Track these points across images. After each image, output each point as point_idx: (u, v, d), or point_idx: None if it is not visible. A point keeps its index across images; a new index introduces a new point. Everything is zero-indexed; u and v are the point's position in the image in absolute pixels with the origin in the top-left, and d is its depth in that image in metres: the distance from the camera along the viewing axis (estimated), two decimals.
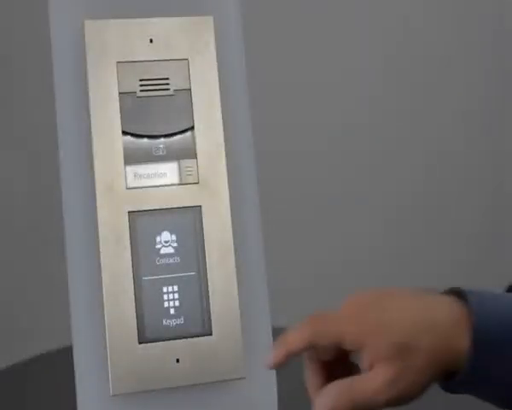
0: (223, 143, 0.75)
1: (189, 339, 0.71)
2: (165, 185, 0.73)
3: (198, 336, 0.72)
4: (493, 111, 1.98)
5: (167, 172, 0.74)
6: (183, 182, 0.74)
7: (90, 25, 0.74)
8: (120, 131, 0.73)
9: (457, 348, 0.60)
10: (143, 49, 0.74)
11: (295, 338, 0.63)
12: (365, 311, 0.63)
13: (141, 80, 0.74)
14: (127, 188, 0.73)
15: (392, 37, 1.91)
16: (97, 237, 0.71)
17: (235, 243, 0.74)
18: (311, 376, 0.64)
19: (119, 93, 0.73)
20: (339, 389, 0.61)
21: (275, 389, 0.76)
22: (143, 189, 0.73)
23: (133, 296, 0.71)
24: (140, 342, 0.71)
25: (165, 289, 0.72)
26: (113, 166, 0.72)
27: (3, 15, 1.75)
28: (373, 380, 0.60)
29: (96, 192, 0.72)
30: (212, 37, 0.76)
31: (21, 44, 1.75)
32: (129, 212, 0.72)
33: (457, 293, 0.62)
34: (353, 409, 0.60)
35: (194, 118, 0.75)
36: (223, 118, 0.75)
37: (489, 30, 1.94)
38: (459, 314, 0.60)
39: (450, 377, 0.61)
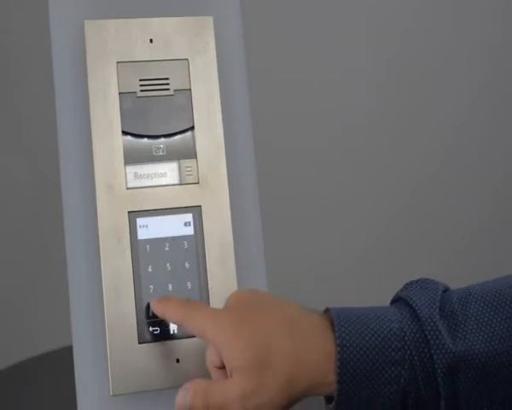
0: (223, 143, 0.75)
1: (189, 339, 0.71)
2: (165, 185, 0.73)
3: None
4: (494, 111, 1.98)
5: (167, 172, 0.74)
6: (183, 182, 0.74)
7: (89, 25, 0.74)
8: (120, 131, 0.73)
9: (326, 381, 0.61)
10: (143, 49, 0.74)
11: (171, 307, 0.66)
12: (235, 314, 0.63)
13: (141, 80, 0.74)
14: (127, 188, 0.73)
15: (392, 37, 1.91)
16: (97, 236, 0.71)
17: (235, 243, 0.74)
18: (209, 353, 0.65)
19: (119, 93, 0.73)
20: (197, 389, 0.61)
21: None
22: (143, 189, 0.73)
23: (133, 296, 0.71)
24: (140, 342, 0.71)
25: (165, 289, 0.72)
26: (113, 166, 0.72)
27: (3, 16, 1.75)
28: (229, 390, 0.60)
29: (96, 192, 0.72)
30: (212, 37, 0.76)
31: (21, 44, 1.75)
32: (129, 212, 0.72)
33: (331, 319, 0.62)
34: None
35: (195, 118, 0.75)
36: (223, 118, 0.75)
37: (489, 30, 1.94)
38: (327, 349, 0.61)
39: (328, 401, 0.63)
